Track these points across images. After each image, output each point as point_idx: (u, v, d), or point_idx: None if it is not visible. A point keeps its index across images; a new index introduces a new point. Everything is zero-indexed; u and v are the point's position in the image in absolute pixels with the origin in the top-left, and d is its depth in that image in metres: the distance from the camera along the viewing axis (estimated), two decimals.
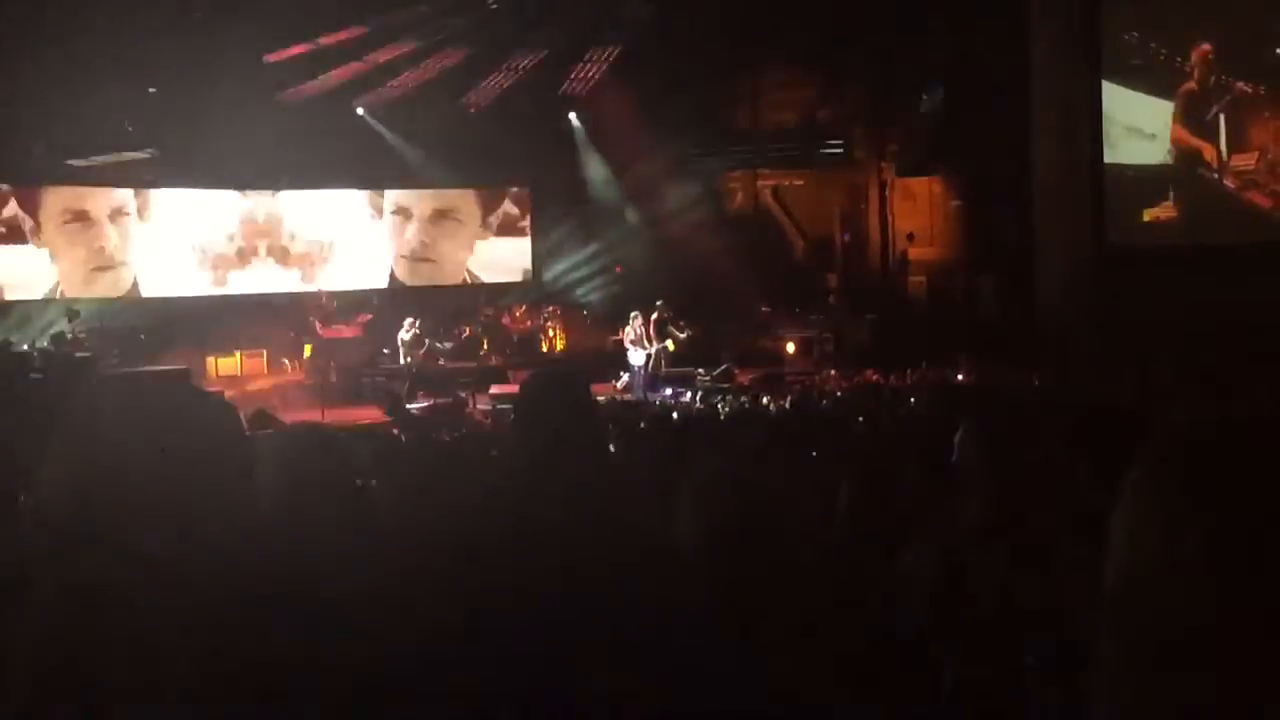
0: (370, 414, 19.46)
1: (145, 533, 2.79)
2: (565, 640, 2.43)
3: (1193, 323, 20.23)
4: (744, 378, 22.78)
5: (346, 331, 24.73)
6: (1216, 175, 24.20)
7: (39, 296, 22.64)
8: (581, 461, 3.19)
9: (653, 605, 2.45)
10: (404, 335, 22.65)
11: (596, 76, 27.54)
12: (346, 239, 26.82)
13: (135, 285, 24.25)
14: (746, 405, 18.09)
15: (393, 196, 27.43)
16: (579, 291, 28.18)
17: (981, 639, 3.17)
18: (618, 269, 27.96)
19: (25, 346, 19.59)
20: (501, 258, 28.54)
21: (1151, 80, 24.54)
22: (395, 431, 14.17)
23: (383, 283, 27.13)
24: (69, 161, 22.93)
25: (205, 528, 2.67)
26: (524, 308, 27.11)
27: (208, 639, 2.17)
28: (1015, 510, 3.41)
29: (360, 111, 26.24)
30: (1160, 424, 3.50)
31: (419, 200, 27.75)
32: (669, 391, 22.17)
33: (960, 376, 19.44)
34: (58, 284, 23.11)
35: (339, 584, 2.73)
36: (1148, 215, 24.71)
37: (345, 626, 2.48)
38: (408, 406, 20.80)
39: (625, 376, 23.05)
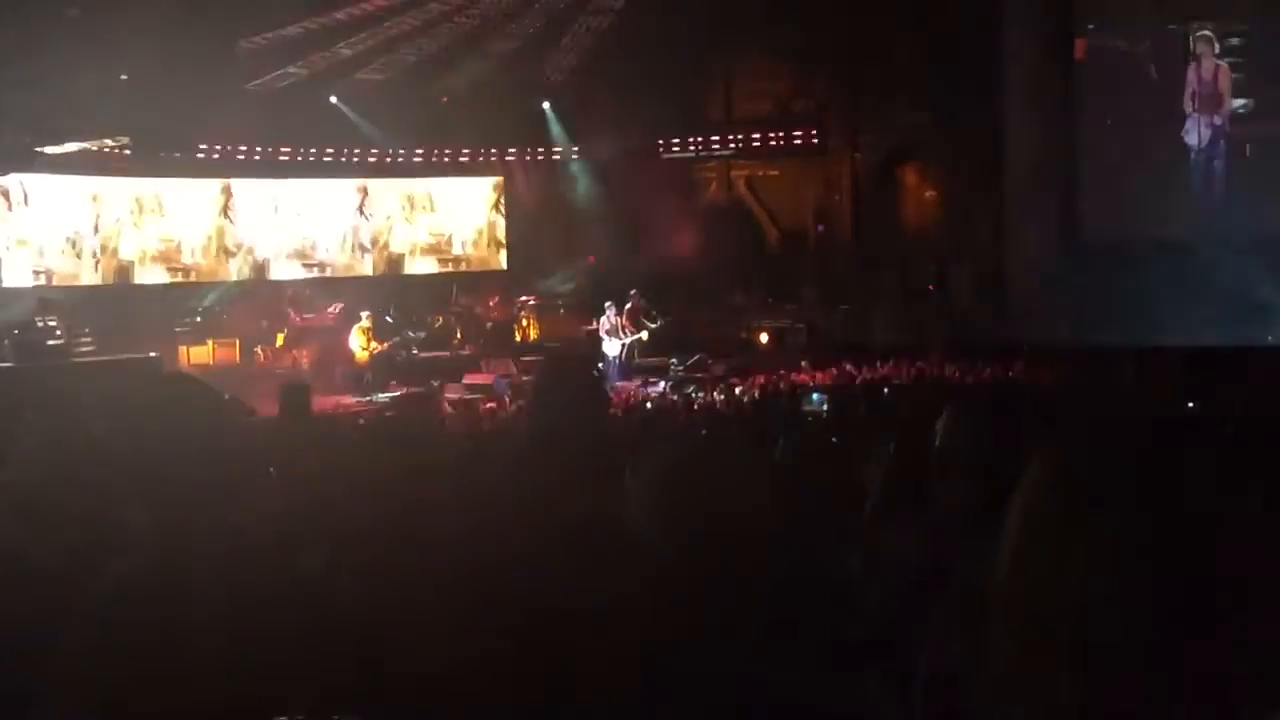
0: (342, 402, 19.51)
1: (126, 513, 2.81)
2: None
3: (1160, 318, 20.40)
4: (717, 368, 22.78)
5: (319, 320, 24.66)
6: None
7: (9, 284, 22.49)
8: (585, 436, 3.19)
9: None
10: (361, 326, 22.54)
11: (571, 65, 27.48)
12: (319, 227, 26.74)
13: (109, 272, 24.16)
14: (719, 395, 18.15)
15: (365, 185, 27.33)
16: (553, 281, 28.13)
17: (960, 625, 3.17)
18: (590, 259, 27.91)
19: None
20: (475, 247, 28.50)
21: None
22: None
23: (355, 271, 27.06)
24: (38, 149, 22.78)
25: (186, 507, 2.69)
26: (497, 297, 27.07)
27: (191, 615, 2.17)
28: (998, 497, 3.40)
29: (334, 100, 26.13)
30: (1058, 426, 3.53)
31: (392, 189, 27.67)
32: (642, 381, 22.20)
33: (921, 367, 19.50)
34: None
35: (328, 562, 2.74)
36: None
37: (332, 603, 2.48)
38: (377, 396, 20.84)
39: (599, 366, 23.06)
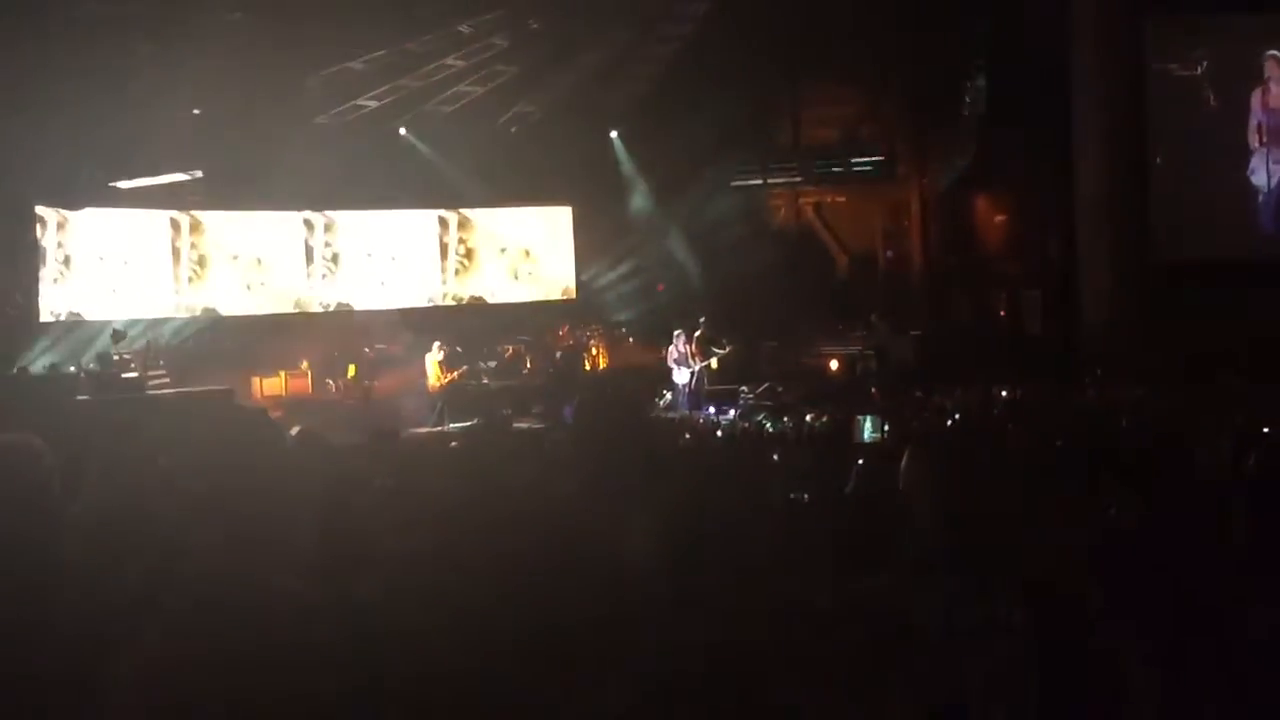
0: (414, 433, 19.53)
1: (195, 544, 2.83)
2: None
3: (1240, 338, 20.07)
4: (787, 396, 22.66)
5: (390, 351, 24.75)
6: None
7: (86, 317, 22.74)
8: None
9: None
10: (433, 357, 22.63)
11: (638, 94, 27.52)
12: (389, 258, 26.86)
13: (182, 304, 24.40)
14: (789, 424, 18.02)
15: (434, 216, 27.44)
16: (622, 310, 28.11)
17: (926, 667, 3.10)
18: (659, 287, 27.91)
19: (71, 368, 19.71)
20: (544, 276, 28.52)
21: None
22: None
23: (426, 301, 27.14)
24: (113, 184, 23.07)
25: (253, 539, 2.70)
26: (566, 326, 27.07)
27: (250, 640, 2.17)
28: (961, 539, 3.31)
29: (403, 132, 26.31)
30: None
31: (460, 219, 27.76)
32: (712, 409, 22.11)
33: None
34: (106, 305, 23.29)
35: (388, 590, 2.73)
36: None
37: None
38: (450, 426, 20.88)
39: (668, 395, 23.02)
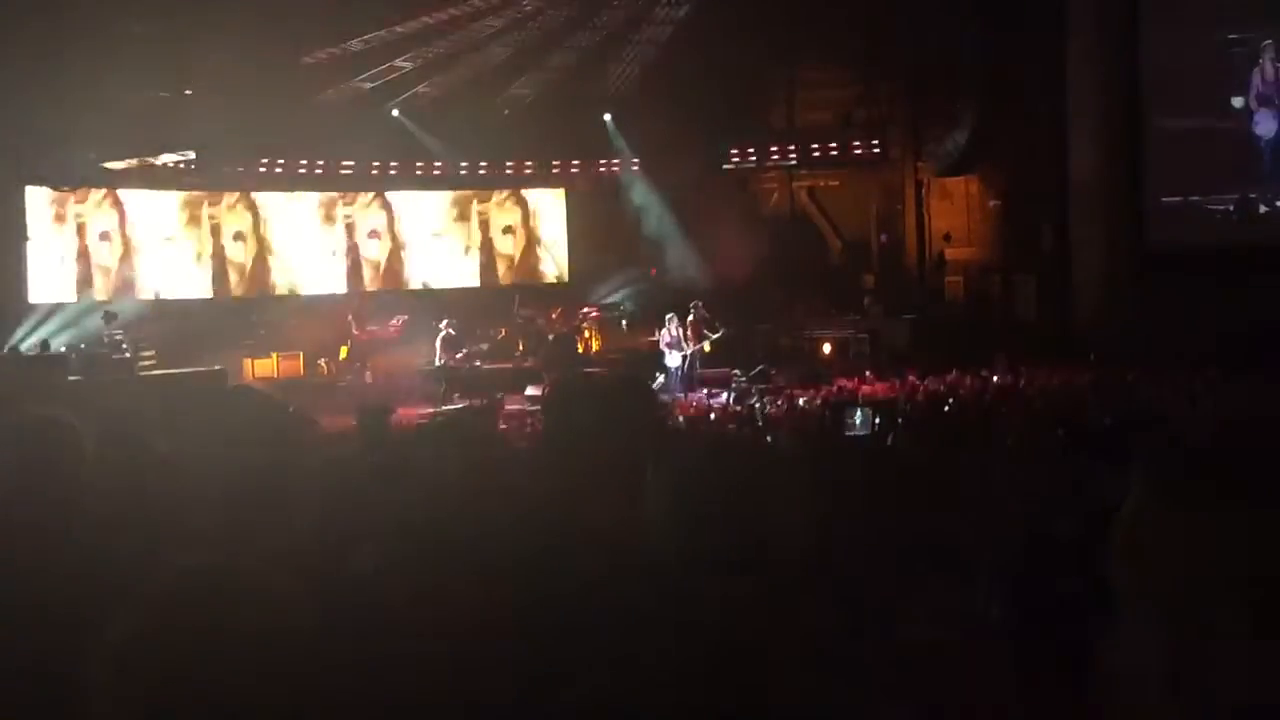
0: (407, 414, 19.49)
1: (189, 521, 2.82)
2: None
3: (1232, 324, 20.08)
4: (780, 379, 22.65)
5: (382, 333, 24.73)
6: None
7: (75, 299, 22.72)
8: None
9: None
10: (442, 335, 22.64)
11: (632, 77, 27.48)
12: (379, 240, 26.84)
13: (175, 285, 24.36)
14: (783, 406, 18.04)
15: (425, 198, 27.42)
16: (614, 293, 28.07)
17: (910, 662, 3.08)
18: (651, 271, 27.86)
19: (63, 349, 19.68)
20: (536, 259, 28.51)
21: None
22: None
23: (418, 284, 27.13)
24: (105, 165, 23.02)
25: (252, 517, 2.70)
26: (559, 309, 27.04)
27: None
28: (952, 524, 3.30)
29: (395, 113, 26.24)
30: None
31: (454, 202, 27.74)
32: (705, 392, 22.08)
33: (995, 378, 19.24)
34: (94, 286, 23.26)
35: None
36: None
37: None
38: (444, 407, 20.83)
39: (661, 378, 22.98)
